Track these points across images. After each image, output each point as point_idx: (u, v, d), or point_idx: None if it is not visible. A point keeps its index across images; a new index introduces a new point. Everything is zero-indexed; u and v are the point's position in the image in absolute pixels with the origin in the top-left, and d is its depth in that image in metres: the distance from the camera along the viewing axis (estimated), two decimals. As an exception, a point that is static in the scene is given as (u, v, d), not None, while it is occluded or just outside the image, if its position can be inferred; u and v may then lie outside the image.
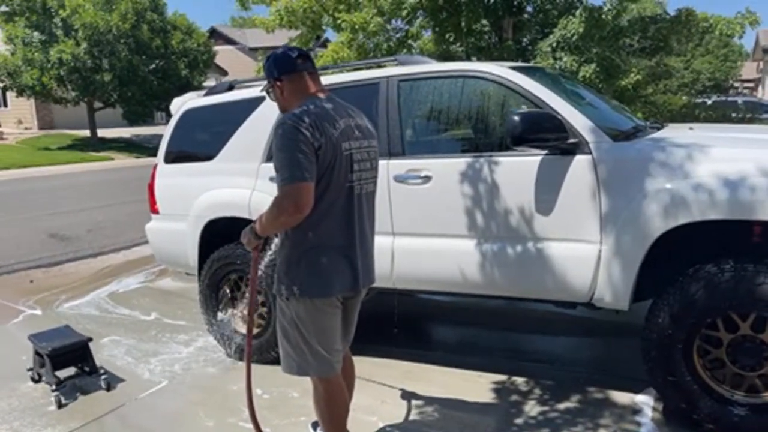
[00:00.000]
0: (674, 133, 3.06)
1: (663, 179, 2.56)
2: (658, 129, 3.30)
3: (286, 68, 2.21)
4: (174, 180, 3.98)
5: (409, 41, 8.44)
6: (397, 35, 8.40)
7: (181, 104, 4.04)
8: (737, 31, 7.88)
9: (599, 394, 3.11)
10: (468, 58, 8.08)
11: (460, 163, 3.05)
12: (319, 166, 2.06)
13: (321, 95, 2.21)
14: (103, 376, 3.45)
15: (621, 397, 3.04)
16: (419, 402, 3.10)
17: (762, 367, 2.51)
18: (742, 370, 2.55)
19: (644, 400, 2.97)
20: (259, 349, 3.69)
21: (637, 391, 3.04)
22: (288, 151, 2.02)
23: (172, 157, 4.02)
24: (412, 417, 2.96)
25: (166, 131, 4.09)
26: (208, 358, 3.82)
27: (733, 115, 10.92)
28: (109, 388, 3.42)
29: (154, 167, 4.11)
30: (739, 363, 2.54)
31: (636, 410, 2.92)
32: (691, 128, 3.39)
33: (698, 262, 2.55)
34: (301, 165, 2.01)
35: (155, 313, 4.75)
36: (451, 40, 8.08)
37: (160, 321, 4.60)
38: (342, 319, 2.37)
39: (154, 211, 4.08)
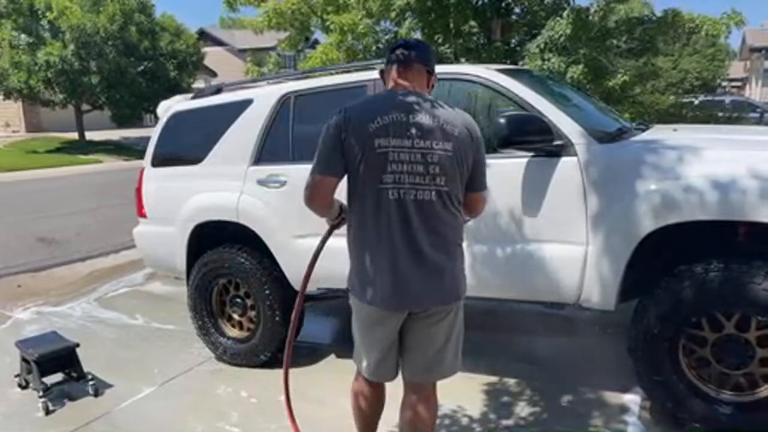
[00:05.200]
0: (659, 134, 3.09)
1: (648, 180, 2.58)
2: (644, 130, 3.33)
3: (386, 60, 2.20)
4: (161, 183, 3.96)
5: (398, 43, 8.43)
6: (387, 37, 8.39)
7: (168, 107, 4.03)
8: (723, 32, 7.94)
9: (589, 393, 3.13)
10: (457, 60, 8.09)
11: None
12: (346, 161, 2.00)
13: (399, 89, 2.08)
14: (90, 382, 3.42)
15: (610, 396, 3.07)
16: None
17: (746, 365, 2.54)
18: (727, 368, 2.57)
19: (632, 399, 3.00)
20: (247, 353, 3.69)
21: (625, 391, 3.06)
22: (319, 142, 2.06)
23: (159, 161, 4.00)
24: (396, 420, 2.96)
25: (153, 134, 4.07)
26: (197, 363, 3.81)
27: (720, 114, 11.00)
28: (96, 394, 3.40)
29: (142, 170, 4.09)
30: (725, 362, 2.57)
31: (624, 409, 2.95)
32: (675, 129, 3.42)
33: (683, 263, 2.57)
34: (320, 157, 2.03)
35: (143, 318, 4.73)
36: (440, 41, 8.07)
37: (148, 325, 4.58)
38: (403, 336, 2.15)
39: (142, 214, 4.06)
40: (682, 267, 2.54)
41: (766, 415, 2.50)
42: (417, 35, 8.83)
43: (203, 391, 3.46)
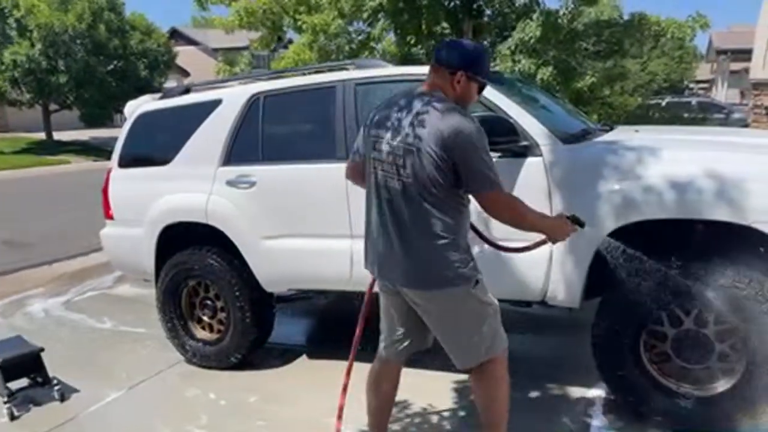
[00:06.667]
0: (621, 135, 3.16)
1: (609, 180, 2.64)
2: (607, 131, 3.40)
3: None
4: (128, 185, 3.91)
5: (372, 43, 8.47)
6: (359, 37, 8.41)
7: (135, 108, 3.97)
8: (688, 34, 8.17)
9: (556, 390, 3.19)
10: (429, 61, 8.14)
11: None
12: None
13: (423, 88, 2.20)
14: (56, 387, 3.36)
15: (575, 391, 3.13)
16: (380, 403, 3.12)
17: (706, 360, 2.61)
18: (687, 363, 2.65)
19: (596, 394, 3.06)
20: (217, 355, 3.66)
21: (590, 386, 3.12)
22: None
23: (126, 162, 3.95)
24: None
25: (120, 135, 4.01)
26: (166, 366, 3.77)
27: (686, 115, 11.29)
28: (63, 399, 3.34)
29: (108, 172, 4.03)
30: (684, 356, 2.64)
31: (589, 404, 3.01)
32: (636, 131, 3.51)
33: (643, 261, 2.64)
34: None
35: (112, 321, 4.66)
36: (413, 42, 8.13)
37: (116, 329, 4.51)
38: (397, 311, 2.38)
39: (109, 216, 4.00)
40: (640, 264, 2.60)
41: (724, 409, 2.57)
42: (390, 36, 8.88)
43: (172, 394, 3.42)
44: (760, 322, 2.43)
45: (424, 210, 2.12)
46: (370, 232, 2.30)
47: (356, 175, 2.43)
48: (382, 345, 2.52)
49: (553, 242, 2.34)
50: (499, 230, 2.48)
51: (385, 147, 2.16)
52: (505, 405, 2.37)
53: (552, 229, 2.26)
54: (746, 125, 13.09)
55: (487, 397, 2.37)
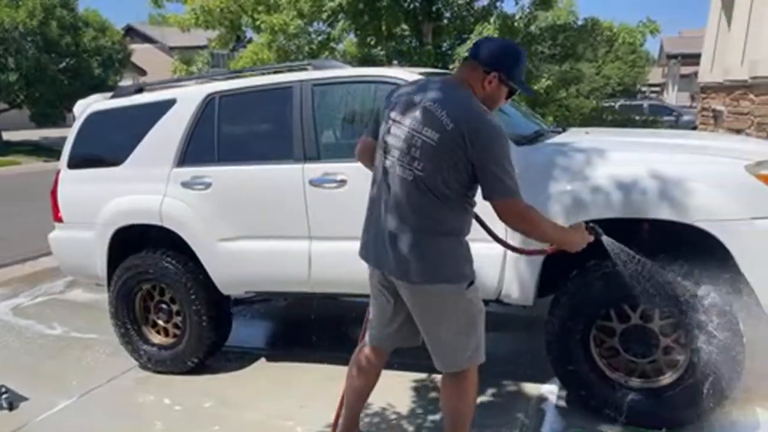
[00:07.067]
0: (572, 137, 3.25)
1: (559, 181, 2.72)
2: (559, 133, 3.49)
3: None
4: (78, 186, 3.80)
5: (332, 44, 8.46)
6: (319, 38, 8.39)
7: (85, 107, 3.86)
8: (638, 39, 8.45)
9: (511, 386, 3.24)
10: (389, 62, 8.19)
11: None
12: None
13: (451, 80, 2.18)
14: (4, 395, 3.25)
15: (530, 387, 3.19)
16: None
17: (652, 354, 2.71)
18: (634, 357, 2.74)
19: (550, 390, 3.14)
20: (173, 360, 3.60)
21: (544, 382, 3.20)
22: None
23: (76, 162, 3.83)
24: (330, 420, 2.96)
25: (70, 135, 3.90)
26: (119, 372, 3.68)
27: (638, 118, 11.66)
28: (11, 408, 3.22)
29: (57, 173, 3.91)
30: (632, 351, 2.73)
31: (542, 399, 3.08)
32: (587, 132, 3.61)
33: (594, 259, 2.72)
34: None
35: (63, 327, 4.51)
36: (373, 43, 8.17)
37: (67, 335, 4.38)
38: (389, 302, 2.33)
39: (58, 219, 3.88)
40: (592, 262, 2.68)
41: (670, 400, 2.67)
42: (350, 37, 8.88)
43: (125, 400, 3.34)
44: (701, 316, 2.53)
45: (433, 205, 2.06)
46: (371, 218, 2.23)
47: (365, 153, 2.34)
48: (370, 334, 2.47)
49: (570, 251, 2.21)
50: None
51: (401, 133, 2.07)
52: (471, 413, 2.38)
53: (569, 242, 2.17)
54: (695, 128, 13.61)
55: (455, 405, 2.35)
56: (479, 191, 2.07)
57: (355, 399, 2.56)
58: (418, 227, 2.08)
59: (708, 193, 2.53)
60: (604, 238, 2.23)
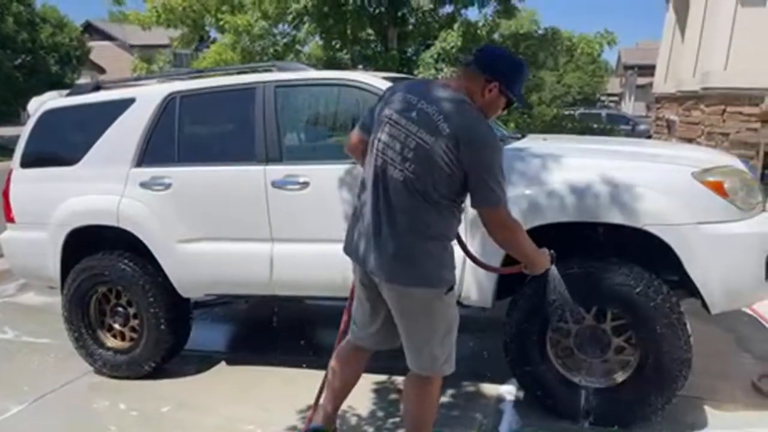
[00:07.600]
0: (530, 143, 3.33)
1: (516, 185, 2.78)
2: (518, 139, 3.57)
3: None
4: (32, 186, 3.69)
5: (297, 46, 8.44)
6: (284, 40, 8.36)
7: (40, 104, 3.76)
8: (596, 50, 8.71)
9: (470, 387, 3.29)
10: (354, 66, 8.22)
11: (337, 169, 3.10)
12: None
13: (451, 84, 2.15)
14: (-52, 403, 3.13)
15: (488, 388, 3.25)
16: (301, 407, 3.09)
17: (604, 353, 2.80)
18: (588, 357, 2.82)
19: (507, 390, 3.20)
20: (129, 364, 3.52)
21: (502, 382, 3.26)
22: None
23: (29, 161, 3.72)
24: (292, 423, 2.96)
25: (23, 133, 3.78)
26: (73, 377, 3.58)
27: (596, 126, 11.99)
28: (-44, 416, 3.11)
29: (10, 172, 3.79)
30: (585, 351, 2.81)
31: (500, 399, 3.14)
32: (545, 139, 3.71)
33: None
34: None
35: (14, 331, 4.37)
36: (338, 47, 8.18)
37: (18, 339, 4.23)
38: (372, 302, 2.33)
39: (10, 219, 3.75)
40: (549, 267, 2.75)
41: (622, 398, 2.76)
42: (316, 40, 8.88)
43: (79, 406, 3.26)
44: (650, 317, 2.63)
45: (422, 207, 2.07)
46: (359, 216, 2.23)
47: (358, 148, 2.33)
48: (352, 330, 2.48)
49: (529, 272, 2.30)
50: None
51: (396, 133, 2.07)
52: (434, 416, 2.41)
53: (537, 262, 2.22)
54: (649, 136, 14.09)
55: (419, 408, 2.37)
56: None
57: (341, 392, 2.57)
58: (406, 229, 2.09)
59: (657, 199, 2.63)
60: (553, 268, 2.30)
